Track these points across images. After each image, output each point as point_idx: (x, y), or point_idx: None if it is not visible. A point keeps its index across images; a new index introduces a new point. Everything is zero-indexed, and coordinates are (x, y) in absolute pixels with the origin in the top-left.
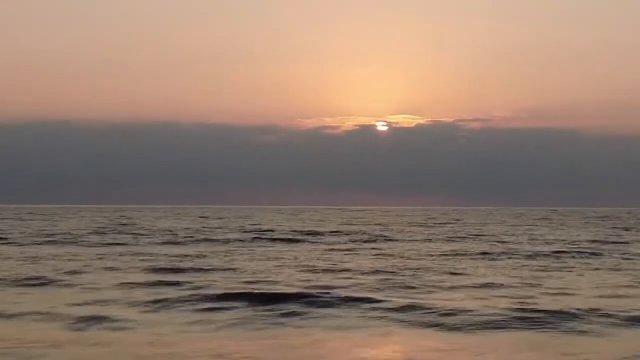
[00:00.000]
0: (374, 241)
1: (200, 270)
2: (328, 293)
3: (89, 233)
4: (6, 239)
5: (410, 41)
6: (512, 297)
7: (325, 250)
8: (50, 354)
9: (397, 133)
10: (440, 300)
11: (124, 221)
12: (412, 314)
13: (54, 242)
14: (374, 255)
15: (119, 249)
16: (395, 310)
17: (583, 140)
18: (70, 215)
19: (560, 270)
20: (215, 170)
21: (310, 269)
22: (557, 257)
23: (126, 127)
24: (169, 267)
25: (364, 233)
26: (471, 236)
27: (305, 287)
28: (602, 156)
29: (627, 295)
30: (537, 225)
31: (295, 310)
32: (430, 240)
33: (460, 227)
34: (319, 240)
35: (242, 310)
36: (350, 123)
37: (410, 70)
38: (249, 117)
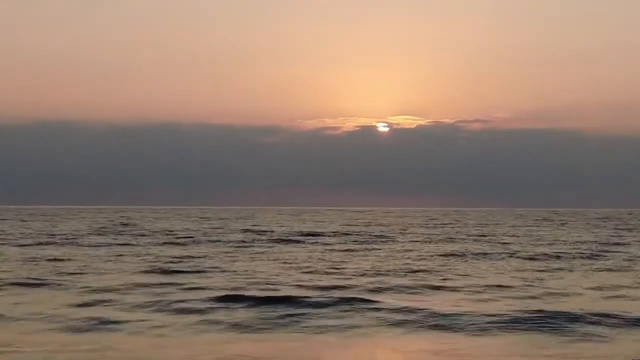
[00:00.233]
0: (375, 242)
1: (200, 271)
2: (327, 295)
3: (89, 234)
4: (7, 239)
5: (411, 42)
6: (514, 299)
7: (325, 251)
8: (51, 358)
9: (398, 134)
10: (440, 302)
11: (124, 222)
12: (411, 316)
13: (54, 243)
14: (374, 256)
15: (119, 250)
16: (394, 312)
17: (584, 141)
18: (71, 216)
19: (562, 272)
20: (216, 171)
21: (311, 270)
22: (559, 258)
23: (127, 128)
24: (169, 268)
25: (365, 234)
26: (472, 237)
27: (305, 288)
28: (603, 157)
29: (630, 297)
30: (538, 226)
31: (295, 312)
32: (430, 242)
33: (460, 228)
34: (319, 241)
35: (243, 312)
36: (351, 124)
37: (411, 71)
38: (249, 118)
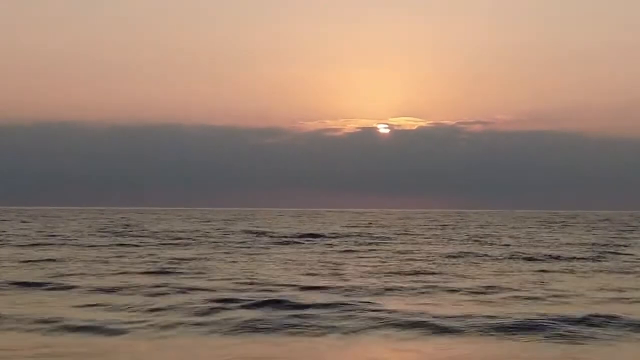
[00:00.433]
0: (376, 243)
1: (201, 272)
2: (328, 296)
3: (89, 235)
4: (7, 240)
5: (412, 43)
6: (516, 301)
7: (325, 252)
8: None
9: (399, 135)
10: (441, 304)
11: (125, 223)
12: (412, 318)
13: (53, 244)
14: (374, 257)
15: (119, 251)
16: (394, 314)
17: (585, 143)
18: (72, 217)
19: (564, 273)
20: (217, 172)
21: (311, 271)
22: (561, 260)
23: (127, 129)
24: (169, 269)
25: (365, 235)
26: (473, 239)
27: (306, 289)
28: (604, 159)
29: (634, 298)
30: (539, 228)
31: (296, 313)
32: (431, 243)
33: (461, 230)
34: (320, 243)
35: (245, 314)
36: (352, 125)
37: (412, 72)
38: (250, 119)
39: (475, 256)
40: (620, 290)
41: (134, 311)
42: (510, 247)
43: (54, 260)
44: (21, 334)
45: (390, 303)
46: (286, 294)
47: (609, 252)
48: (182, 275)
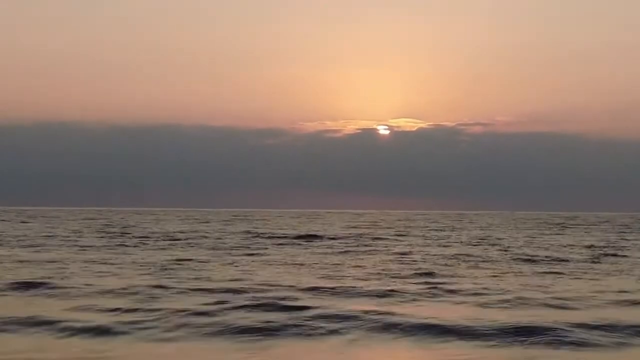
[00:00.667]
0: (375, 245)
1: (200, 274)
2: (328, 299)
3: (87, 236)
4: (6, 241)
5: (411, 44)
6: (518, 304)
7: (325, 253)
8: None
9: (399, 137)
10: (442, 308)
11: (124, 224)
12: (411, 321)
13: (51, 245)
14: (372, 259)
15: (117, 252)
16: (393, 316)
17: (585, 145)
18: (72, 217)
19: (567, 276)
20: (216, 173)
21: (311, 273)
22: (563, 262)
23: (126, 129)
24: (168, 271)
25: (365, 237)
26: (474, 240)
27: (305, 291)
28: (605, 160)
29: (636, 302)
30: (539, 230)
31: (297, 316)
32: (430, 245)
33: (462, 231)
34: (319, 244)
35: (244, 316)
36: (352, 127)
37: (412, 74)
38: (250, 120)
39: (476, 258)
40: (622, 292)
41: (131, 314)
42: (511, 249)
43: (51, 261)
44: (13, 340)
45: (392, 306)
46: (285, 296)
47: (610, 254)
48: (180, 277)
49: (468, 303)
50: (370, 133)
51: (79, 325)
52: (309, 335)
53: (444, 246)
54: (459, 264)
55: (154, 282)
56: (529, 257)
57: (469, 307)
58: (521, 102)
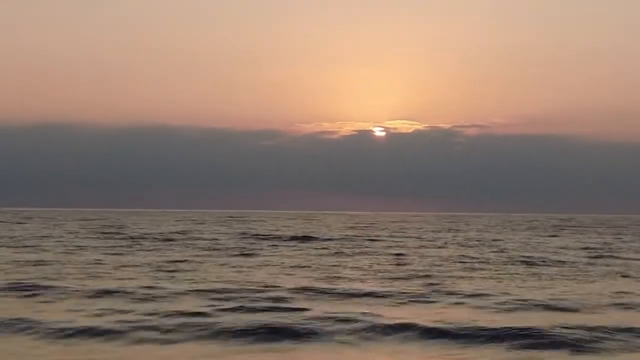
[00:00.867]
0: (371, 246)
1: (197, 275)
2: (324, 300)
3: (82, 237)
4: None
5: (409, 46)
6: (515, 307)
7: (321, 255)
8: None
9: (395, 138)
10: (437, 310)
11: (119, 225)
12: (409, 324)
13: (42, 248)
14: (368, 260)
15: (113, 253)
16: (388, 319)
17: (581, 147)
18: (69, 218)
19: (564, 278)
20: (214, 174)
21: (305, 274)
22: (560, 264)
23: (124, 130)
24: (162, 272)
25: (360, 238)
26: (470, 242)
27: (295, 292)
28: (601, 163)
29: (633, 304)
30: (535, 231)
31: (292, 318)
32: (425, 247)
33: (458, 233)
34: (314, 245)
35: (239, 319)
36: (348, 128)
37: (409, 76)
38: (247, 122)
39: (472, 260)
40: (619, 294)
41: (124, 316)
42: (507, 251)
43: (44, 263)
44: (4, 340)
45: (387, 308)
46: (280, 297)
47: (606, 256)
48: (176, 278)
49: (464, 305)
50: (366, 135)
51: (67, 327)
52: (306, 336)
53: (440, 248)
54: (455, 266)
55: (149, 283)
56: (526, 259)
57: (465, 309)
58: (517, 104)
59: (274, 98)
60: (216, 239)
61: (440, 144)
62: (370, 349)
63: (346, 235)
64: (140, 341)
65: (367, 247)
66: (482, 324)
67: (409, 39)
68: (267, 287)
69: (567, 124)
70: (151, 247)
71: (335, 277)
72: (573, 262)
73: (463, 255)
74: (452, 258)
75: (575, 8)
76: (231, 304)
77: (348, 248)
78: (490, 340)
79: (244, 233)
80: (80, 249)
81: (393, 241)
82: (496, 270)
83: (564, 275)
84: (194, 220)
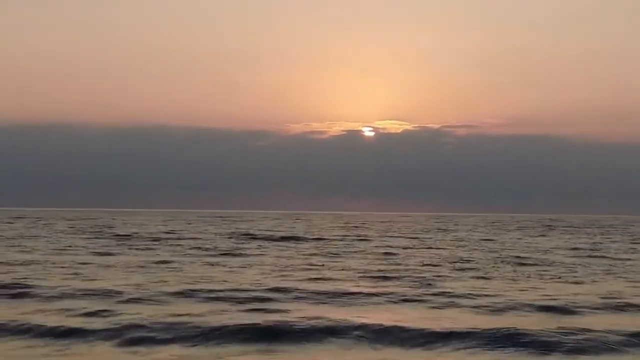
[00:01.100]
0: (358, 247)
1: (178, 277)
2: (311, 303)
3: (69, 237)
4: None
5: (397, 47)
6: (498, 309)
7: (310, 255)
8: None
9: (384, 139)
10: (422, 314)
11: (107, 225)
12: (393, 328)
13: (29, 247)
14: (355, 260)
15: (100, 253)
16: (375, 324)
17: (571, 147)
18: (60, 218)
19: (551, 278)
20: (202, 175)
21: (291, 275)
22: (547, 264)
23: (114, 131)
24: (147, 272)
25: (348, 238)
26: (459, 242)
27: (285, 292)
28: (589, 163)
29: (624, 305)
30: (524, 232)
31: (279, 320)
32: (414, 247)
33: (448, 233)
34: (301, 245)
35: (227, 319)
36: (337, 128)
37: (398, 76)
38: (236, 122)
39: (461, 260)
40: (608, 296)
41: (109, 317)
42: (497, 250)
43: (26, 263)
44: None
45: (373, 310)
46: (267, 297)
47: (595, 256)
48: (162, 278)
49: (453, 306)
50: (355, 135)
51: (58, 329)
52: (288, 337)
53: (429, 248)
54: (444, 266)
55: (135, 283)
56: (515, 259)
57: (454, 310)
58: (506, 105)
59: (262, 99)
60: (204, 239)
61: (430, 144)
62: (354, 351)
63: (335, 235)
64: (129, 343)
65: (355, 247)
66: (469, 325)
67: (398, 40)
68: (253, 287)
69: (556, 125)
70: (138, 247)
71: (321, 277)
72: (562, 262)
73: (452, 256)
74: (442, 258)
75: (563, 11)
76: (216, 304)
77: (336, 248)
78: (480, 342)
79: (232, 233)
80: (67, 249)
81: (382, 241)
82: (485, 270)
83: (553, 276)
84: (183, 220)
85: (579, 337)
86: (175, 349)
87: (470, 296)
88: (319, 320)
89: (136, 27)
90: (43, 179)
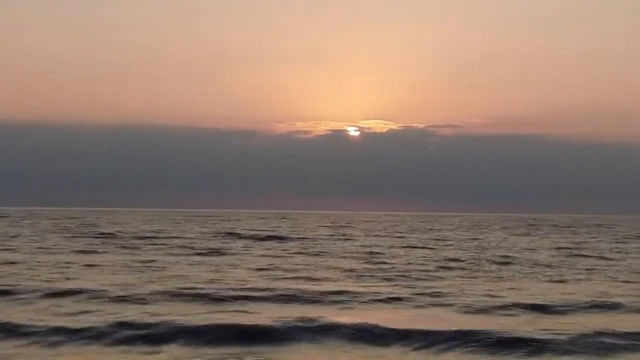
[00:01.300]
0: (342, 246)
1: (162, 277)
2: (297, 303)
3: (52, 237)
4: None
5: (383, 47)
6: (482, 309)
7: (292, 254)
8: None
9: (369, 138)
10: (407, 315)
11: (93, 224)
12: (376, 330)
13: (18, 248)
14: (338, 260)
15: (84, 253)
16: (359, 325)
17: (556, 147)
18: (51, 217)
19: (537, 279)
20: (187, 174)
21: (274, 275)
22: (532, 265)
23: (107, 130)
24: (131, 272)
25: (333, 238)
26: (443, 242)
27: (269, 291)
28: (573, 163)
29: (614, 305)
30: (509, 232)
31: (259, 322)
32: (398, 246)
33: (432, 233)
34: (284, 245)
35: (213, 320)
36: (322, 128)
37: (384, 76)
38: (220, 121)
39: (446, 260)
40: (596, 296)
41: (97, 315)
42: (482, 250)
43: (16, 263)
44: None
45: (358, 310)
46: (252, 297)
47: (580, 255)
48: (146, 278)
49: (439, 305)
50: (340, 134)
51: (50, 329)
52: (280, 339)
53: (413, 247)
54: (430, 265)
55: (120, 282)
56: (500, 259)
57: (440, 309)
58: (491, 104)
59: (246, 99)
60: (189, 238)
61: (415, 144)
62: (338, 351)
63: (320, 234)
64: (116, 343)
65: (341, 246)
66: (455, 324)
67: (381, 40)
68: (238, 286)
69: (540, 124)
70: (123, 246)
71: (306, 277)
72: (548, 262)
73: (437, 256)
74: (427, 257)
75: (562, 10)
76: (198, 305)
77: (321, 247)
78: (466, 344)
79: (217, 232)
80: (50, 248)
81: (366, 240)
82: (470, 270)
83: (539, 275)
84: (171, 219)
85: (567, 336)
86: (164, 348)
87: (455, 295)
88: (304, 320)
89: (136, 27)
90: (43, 179)
